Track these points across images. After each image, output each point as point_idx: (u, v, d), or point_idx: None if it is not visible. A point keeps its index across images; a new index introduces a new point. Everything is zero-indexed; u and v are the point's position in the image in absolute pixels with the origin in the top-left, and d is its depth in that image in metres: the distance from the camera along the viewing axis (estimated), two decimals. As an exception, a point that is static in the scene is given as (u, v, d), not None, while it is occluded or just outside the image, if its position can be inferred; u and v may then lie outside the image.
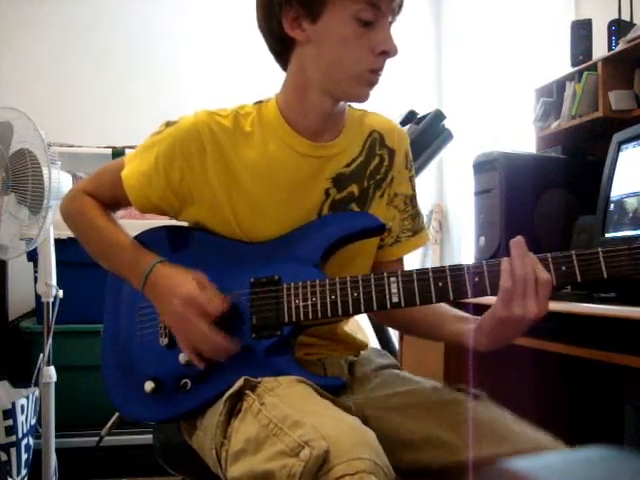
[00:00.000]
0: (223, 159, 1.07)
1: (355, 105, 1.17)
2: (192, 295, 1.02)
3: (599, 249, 0.95)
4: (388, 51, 1.03)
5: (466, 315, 1.09)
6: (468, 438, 0.96)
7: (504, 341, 0.99)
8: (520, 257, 0.94)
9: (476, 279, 0.97)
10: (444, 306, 1.13)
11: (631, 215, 1.63)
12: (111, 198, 1.16)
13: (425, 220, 1.28)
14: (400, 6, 1.05)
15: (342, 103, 1.12)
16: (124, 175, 1.12)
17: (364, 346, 1.23)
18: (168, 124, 1.11)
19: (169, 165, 1.08)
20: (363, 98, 1.07)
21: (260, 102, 1.13)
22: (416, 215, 1.22)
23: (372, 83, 1.06)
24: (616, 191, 1.71)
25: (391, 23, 1.05)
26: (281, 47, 1.08)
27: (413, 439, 0.99)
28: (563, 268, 0.95)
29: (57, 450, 2.15)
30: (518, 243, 0.96)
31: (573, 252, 0.95)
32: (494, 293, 0.97)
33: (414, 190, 1.23)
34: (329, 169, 1.11)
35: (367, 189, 1.14)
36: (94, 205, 1.16)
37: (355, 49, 1.02)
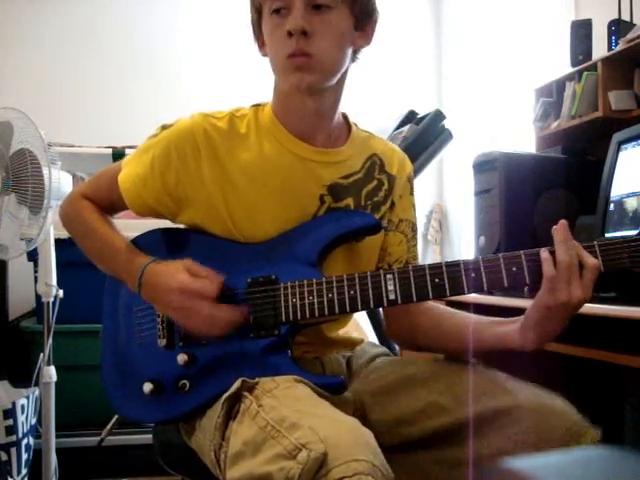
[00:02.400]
0: (218, 161, 1.08)
1: (350, 112, 1.17)
2: (185, 283, 1.02)
3: (595, 242, 0.96)
4: (289, 29, 1.01)
5: (501, 319, 1.08)
6: (466, 398, 0.97)
7: (551, 333, 0.99)
8: (564, 242, 0.95)
9: (473, 275, 0.97)
10: (474, 316, 1.13)
11: (631, 215, 1.63)
12: (108, 202, 1.17)
13: (425, 221, 1.29)
14: None
15: (329, 103, 1.10)
16: (120, 178, 1.13)
17: (359, 342, 1.24)
18: (164, 127, 1.12)
19: (165, 167, 1.08)
20: (300, 85, 1.04)
21: (258, 105, 1.14)
22: (416, 244, 1.24)
23: (295, 68, 1.03)
24: (616, 191, 1.71)
25: (317, 5, 1.01)
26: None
27: (410, 412, 1.01)
28: None
29: (57, 450, 2.14)
30: (561, 229, 0.97)
31: None
32: (491, 289, 0.97)
33: (416, 219, 1.24)
34: (325, 176, 1.11)
35: (364, 208, 1.14)
36: (91, 209, 1.17)
37: (274, 40, 1.05)
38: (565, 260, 0.94)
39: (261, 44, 1.12)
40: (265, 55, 1.11)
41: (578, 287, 0.94)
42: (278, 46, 1.03)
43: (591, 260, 0.95)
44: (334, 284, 1.01)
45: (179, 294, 1.01)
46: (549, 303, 0.95)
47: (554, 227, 0.97)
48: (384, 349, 1.24)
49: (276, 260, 1.07)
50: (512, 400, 0.95)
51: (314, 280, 1.02)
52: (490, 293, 1.77)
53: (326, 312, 1.01)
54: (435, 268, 0.99)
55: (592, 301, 1.41)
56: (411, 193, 1.22)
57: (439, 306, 1.18)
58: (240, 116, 1.12)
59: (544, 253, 0.96)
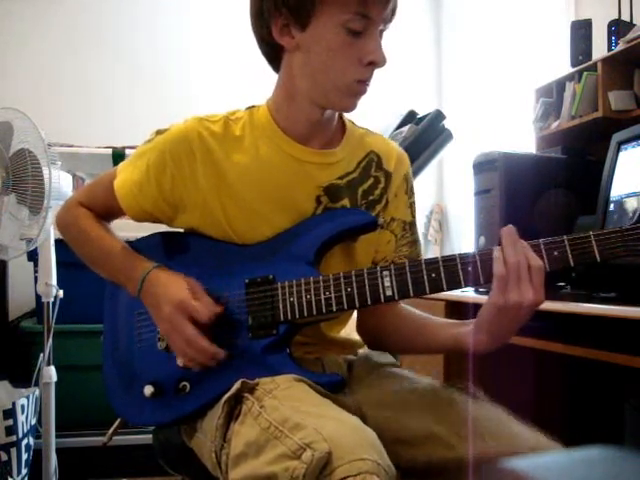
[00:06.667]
0: (213, 164, 1.08)
1: (350, 113, 1.16)
2: (183, 301, 1.02)
3: (591, 232, 0.95)
4: (376, 62, 1.02)
5: (460, 321, 1.08)
6: (466, 435, 0.96)
7: (503, 335, 0.97)
8: (511, 245, 0.94)
9: (469, 268, 0.96)
10: (435, 317, 1.13)
11: (631, 215, 1.63)
12: (105, 208, 1.17)
13: (425, 220, 1.28)
14: (393, 13, 1.04)
15: (332, 112, 1.11)
16: (116, 184, 1.13)
17: (361, 345, 1.23)
18: (158, 132, 1.12)
19: (160, 173, 1.09)
20: (350, 108, 1.07)
21: (252, 107, 1.14)
22: (414, 243, 1.21)
23: (359, 93, 1.05)
24: (616, 191, 1.71)
25: (383, 31, 1.04)
26: (272, 53, 1.09)
27: (411, 436, 0.99)
28: (555, 253, 0.94)
29: (57, 450, 2.14)
30: (508, 232, 0.95)
31: (565, 237, 0.94)
32: (487, 281, 0.96)
33: (414, 217, 1.22)
34: (321, 177, 1.11)
35: (360, 207, 1.14)
36: (88, 216, 1.17)
37: (343, 59, 1.01)
38: (513, 261, 0.92)
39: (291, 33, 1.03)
40: (281, 39, 1.04)
41: (529, 288, 0.92)
42: (347, 67, 1.02)
43: (537, 262, 0.93)
44: (331, 282, 1.02)
45: (173, 307, 1.02)
46: (499, 303, 0.93)
47: (502, 229, 0.96)
48: (391, 359, 1.22)
49: (274, 260, 1.07)
50: (514, 444, 0.93)
51: (311, 279, 1.03)
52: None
53: (324, 310, 1.01)
54: (432, 263, 0.99)
55: (592, 301, 1.42)
56: (406, 192, 1.20)
57: (406, 308, 1.17)
58: (235, 119, 1.12)
59: (496, 252, 0.94)
